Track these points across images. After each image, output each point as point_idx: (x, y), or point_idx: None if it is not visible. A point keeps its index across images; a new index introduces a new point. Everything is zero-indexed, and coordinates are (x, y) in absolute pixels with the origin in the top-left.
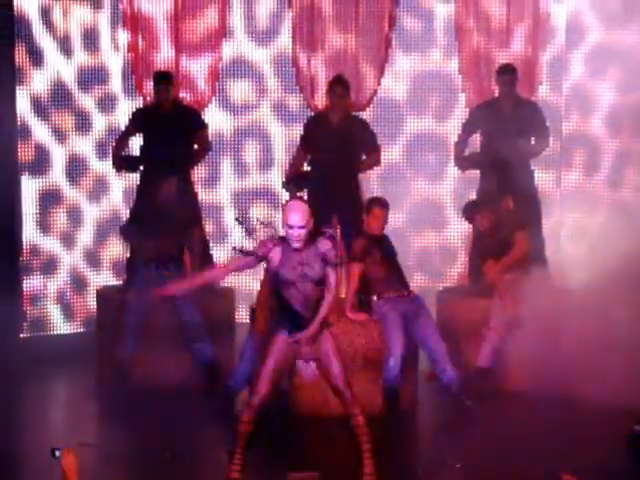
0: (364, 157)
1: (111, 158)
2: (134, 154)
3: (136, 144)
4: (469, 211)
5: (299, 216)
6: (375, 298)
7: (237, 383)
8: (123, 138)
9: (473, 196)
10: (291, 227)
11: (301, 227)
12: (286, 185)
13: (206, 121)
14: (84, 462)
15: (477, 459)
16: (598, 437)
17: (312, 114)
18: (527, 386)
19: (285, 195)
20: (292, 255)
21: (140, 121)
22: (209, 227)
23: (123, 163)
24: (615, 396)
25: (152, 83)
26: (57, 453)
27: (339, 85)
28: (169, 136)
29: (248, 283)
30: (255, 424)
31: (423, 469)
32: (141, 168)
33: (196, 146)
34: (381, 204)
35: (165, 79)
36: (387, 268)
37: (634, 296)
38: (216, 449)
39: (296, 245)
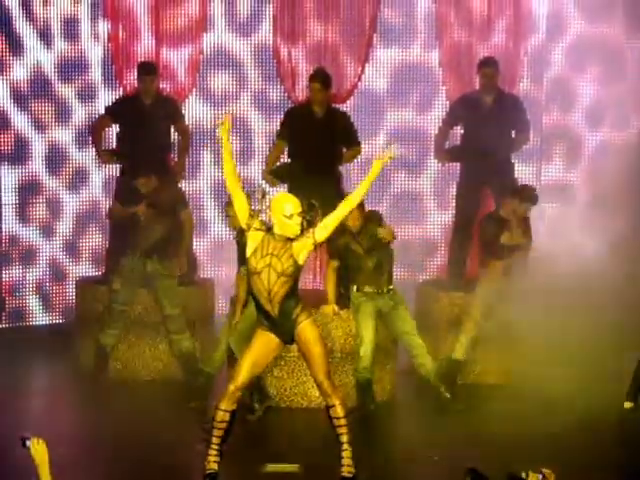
0: (344, 150)
1: (96, 153)
2: (114, 147)
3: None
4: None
5: (295, 204)
6: (355, 289)
7: (212, 367)
8: (99, 129)
9: (453, 189)
10: (291, 216)
11: (300, 213)
12: (266, 176)
13: (185, 112)
14: (58, 452)
15: (453, 451)
16: (575, 431)
17: (292, 105)
18: (504, 379)
19: (265, 186)
20: (266, 244)
21: (120, 112)
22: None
23: (110, 158)
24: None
25: (135, 74)
26: (27, 443)
27: (317, 81)
28: (150, 127)
29: (228, 274)
30: (232, 413)
31: (400, 460)
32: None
33: (177, 136)
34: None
35: (149, 72)
36: (368, 263)
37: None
38: (194, 439)
39: (296, 235)
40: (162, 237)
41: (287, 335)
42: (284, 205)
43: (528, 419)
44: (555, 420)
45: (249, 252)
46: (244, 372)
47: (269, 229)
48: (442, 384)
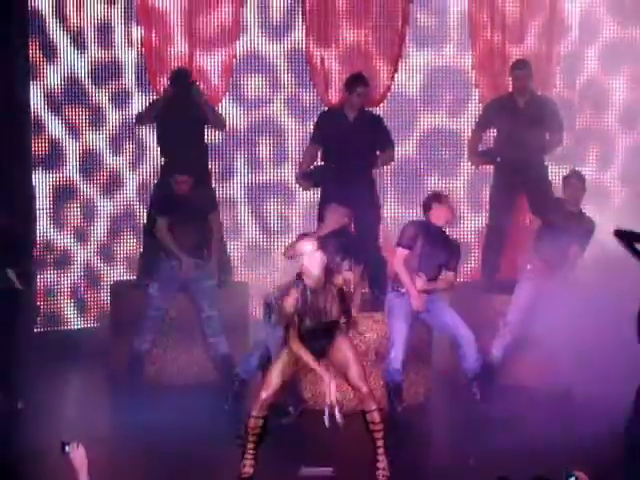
0: (378, 153)
1: None
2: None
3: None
4: None
5: (311, 242)
6: (390, 289)
7: (247, 372)
8: None
9: (486, 192)
10: (312, 252)
11: (317, 249)
12: (299, 180)
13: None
14: (93, 457)
15: (487, 456)
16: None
17: (325, 109)
18: (538, 383)
19: (299, 190)
20: (311, 300)
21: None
22: (224, 222)
23: None
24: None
25: (170, 80)
26: (66, 448)
27: (361, 85)
28: (184, 130)
29: (262, 277)
30: (265, 419)
31: (436, 463)
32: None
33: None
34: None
35: (183, 80)
36: (419, 263)
37: None
38: (229, 444)
39: (316, 272)
40: (196, 240)
41: (322, 349)
42: (301, 244)
43: (566, 424)
44: (593, 424)
45: (296, 307)
46: (275, 379)
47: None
48: (477, 383)
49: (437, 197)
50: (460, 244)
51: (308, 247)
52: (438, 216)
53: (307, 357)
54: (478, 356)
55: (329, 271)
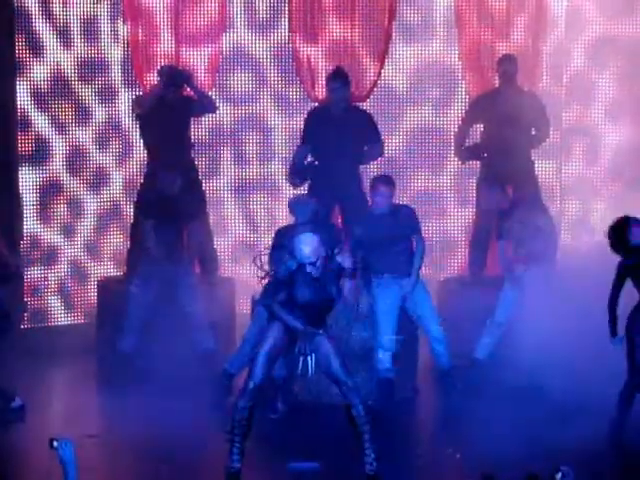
0: (366, 149)
1: None
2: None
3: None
4: None
5: (309, 250)
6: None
7: (234, 367)
8: None
9: (473, 186)
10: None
11: (313, 263)
12: (289, 177)
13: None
14: (82, 453)
15: (473, 450)
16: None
17: (313, 106)
18: (524, 379)
19: (285, 185)
20: (311, 272)
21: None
22: (210, 217)
23: None
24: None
25: (156, 74)
26: (55, 444)
27: (335, 79)
28: (172, 125)
29: (248, 273)
30: (252, 409)
31: (423, 457)
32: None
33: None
34: (384, 181)
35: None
36: (385, 247)
37: None
38: (217, 439)
39: (315, 275)
40: (178, 240)
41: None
42: (298, 249)
43: (550, 420)
44: (579, 421)
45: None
46: (260, 367)
47: None
48: (458, 378)
49: (373, 183)
50: (413, 207)
51: (306, 250)
52: (376, 202)
53: (286, 317)
54: (446, 352)
55: (329, 257)
